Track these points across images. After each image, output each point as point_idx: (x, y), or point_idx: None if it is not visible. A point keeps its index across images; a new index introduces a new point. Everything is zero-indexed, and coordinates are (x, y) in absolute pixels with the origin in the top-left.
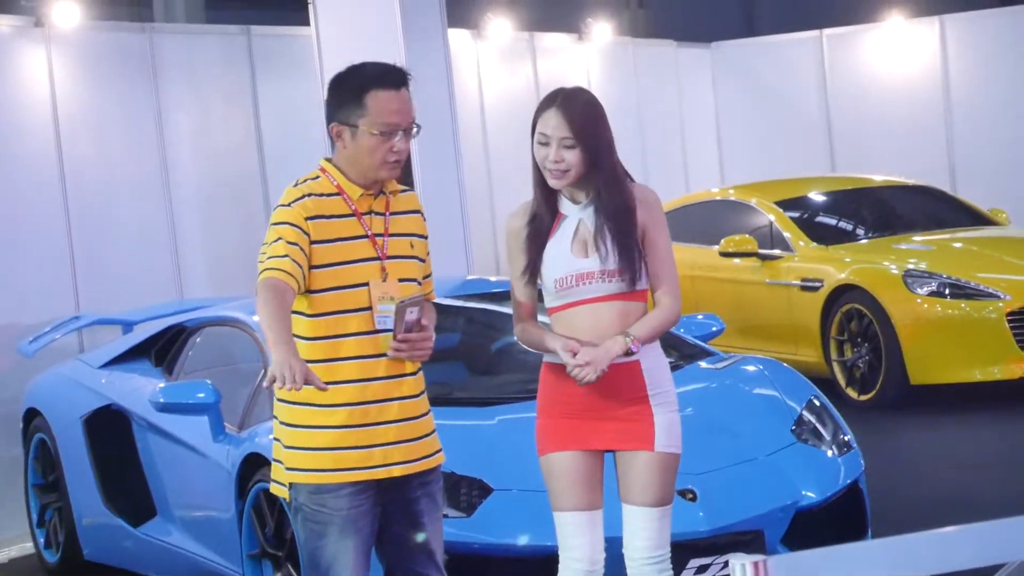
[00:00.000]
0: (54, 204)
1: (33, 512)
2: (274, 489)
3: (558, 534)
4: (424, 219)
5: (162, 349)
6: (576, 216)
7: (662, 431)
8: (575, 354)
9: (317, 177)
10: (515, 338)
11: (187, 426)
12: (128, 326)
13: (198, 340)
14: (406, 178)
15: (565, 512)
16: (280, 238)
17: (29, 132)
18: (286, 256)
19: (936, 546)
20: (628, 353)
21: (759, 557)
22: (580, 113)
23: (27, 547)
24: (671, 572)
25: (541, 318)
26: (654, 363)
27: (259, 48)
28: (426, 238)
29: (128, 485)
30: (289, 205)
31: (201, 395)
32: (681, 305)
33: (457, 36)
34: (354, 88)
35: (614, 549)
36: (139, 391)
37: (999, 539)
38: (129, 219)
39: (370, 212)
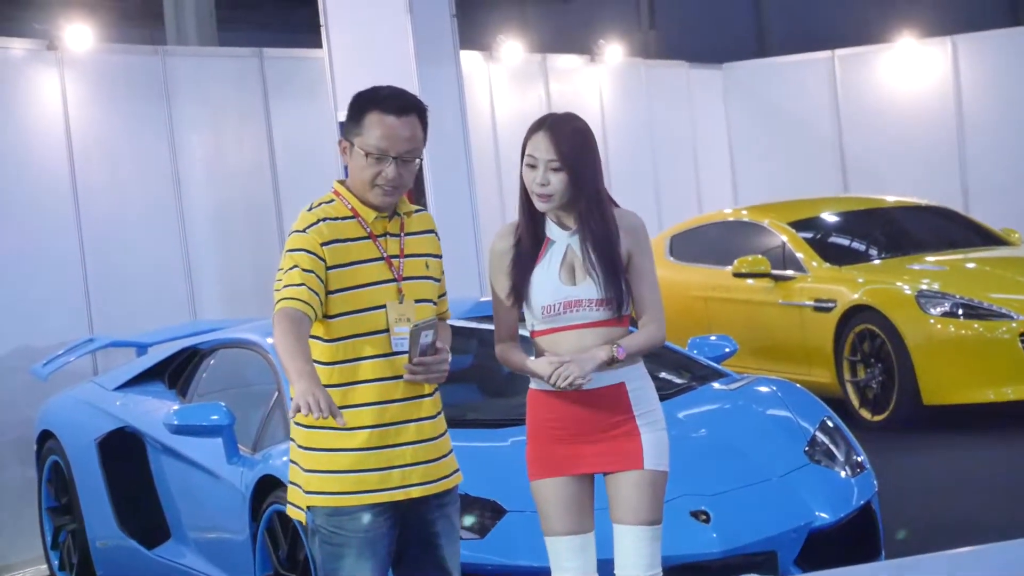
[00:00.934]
0: (67, 226)
1: (47, 534)
2: (291, 512)
3: (551, 558)
4: (438, 238)
5: (176, 371)
6: (564, 242)
7: (650, 450)
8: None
9: (331, 200)
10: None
11: (201, 448)
12: (142, 348)
13: (212, 362)
14: (418, 200)
15: (558, 537)
16: (295, 266)
17: (42, 155)
18: (302, 285)
19: (948, 567)
20: (613, 360)
21: None
22: (568, 138)
23: (42, 569)
24: None
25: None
26: (639, 384)
27: (272, 70)
28: (440, 257)
29: (142, 507)
30: (304, 231)
31: (215, 417)
32: (666, 329)
33: (469, 58)
34: (359, 106)
35: (607, 571)
36: (153, 413)
37: (1011, 560)
38: (142, 241)
39: (385, 234)
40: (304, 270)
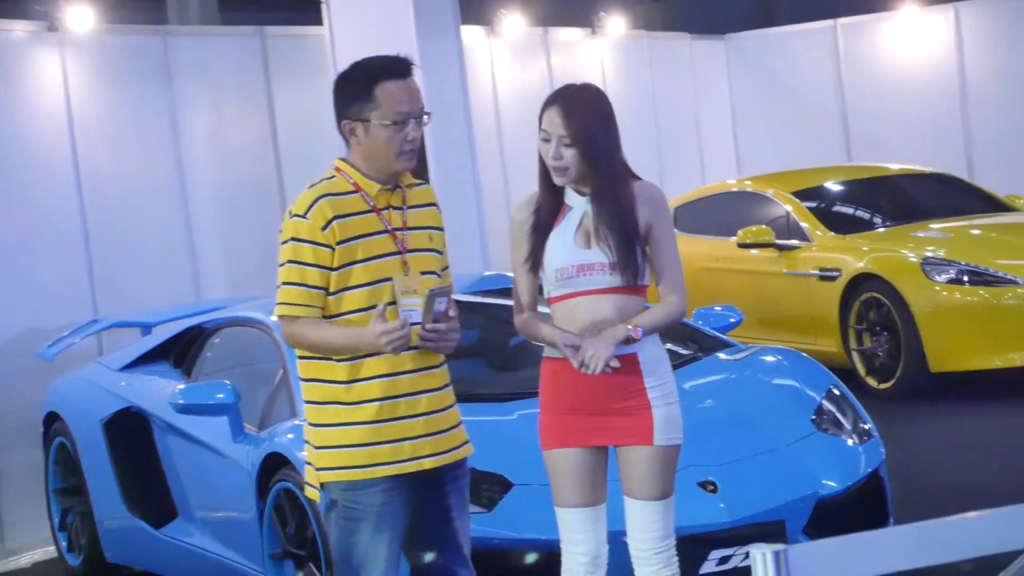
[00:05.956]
0: (70, 208)
1: (55, 516)
2: (308, 493)
3: (561, 529)
4: (440, 212)
5: (181, 351)
6: (582, 208)
7: (661, 425)
8: (577, 348)
9: (332, 177)
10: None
11: (207, 427)
12: (147, 328)
13: (216, 341)
14: (421, 175)
15: (568, 508)
16: (291, 260)
17: (44, 136)
18: (298, 285)
19: (957, 533)
20: (629, 340)
21: (780, 547)
22: (581, 113)
23: (50, 551)
24: (676, 562)
25: (541, 309)
26: (651, 355)
27: (273, 49)
28: (443, 230)
29: (149, 487)
30: (304, 216)
31: (220, 396)
32: (687, 301)
33: (470, 32)
34: (362, 83)
35: (618, 542)
36: (158, 393)
37: (1020, 525)
38: (146, 221)
39: (388, 207)
40: (301, 263)
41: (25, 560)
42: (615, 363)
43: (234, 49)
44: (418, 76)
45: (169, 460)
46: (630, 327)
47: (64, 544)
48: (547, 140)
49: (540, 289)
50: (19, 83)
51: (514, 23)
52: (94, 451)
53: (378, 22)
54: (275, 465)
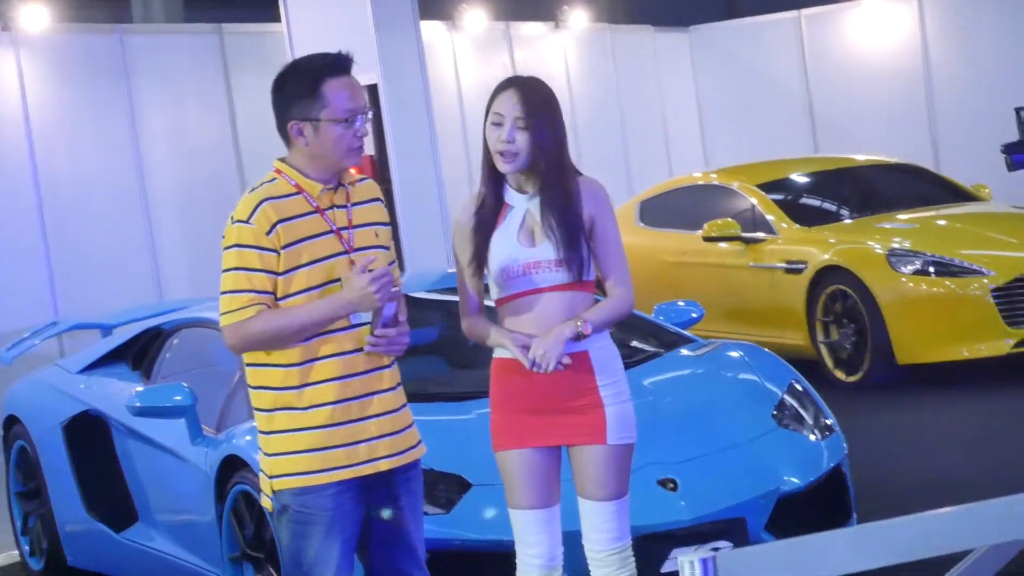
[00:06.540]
0: (29, 208)
1: (17, 520)
2: (263, 502)
3: (515, 531)
4: (384, 206)
5: (139, 352)
6: (523, 206)
7: (614, 423)
8: (527, 348)
9: (273, 180)
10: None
11: (165, 430)
12: (107, 330)
13: (175, 342)
14: (382, 171)
15: (522, 510)
16: (236, 267)
17: (1, 137)
18: (247, 291)
19: (921, 530)
20: (579, 337)
21: (708, 554)
22: (536, 96)
23: (13, 555)
24: (633, 563)
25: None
26: (603, 353)
27: (232, 46)
28: (388, 225)
29: (109, 491)
30: (247, 221)
31: (178, 398)
32: (634, 296)
33: (432, 28)
34: (306, 82)
35: (574, 543)
36: (117, 396)
37: (967, 525)
38: (105, 221)
39: (332, 207)
40: (248, 269)
41: None
42: (567, 360)
43: (192, 47)
44: (375, 73)
45: (129, 463)
46: (579, 323)
47: (26, 548)
48: (499, 124)
49: (487, 289)
50: None
51: (476, 18)
52: (54, 454)
53: (335, 18)
54: (233, 467)
